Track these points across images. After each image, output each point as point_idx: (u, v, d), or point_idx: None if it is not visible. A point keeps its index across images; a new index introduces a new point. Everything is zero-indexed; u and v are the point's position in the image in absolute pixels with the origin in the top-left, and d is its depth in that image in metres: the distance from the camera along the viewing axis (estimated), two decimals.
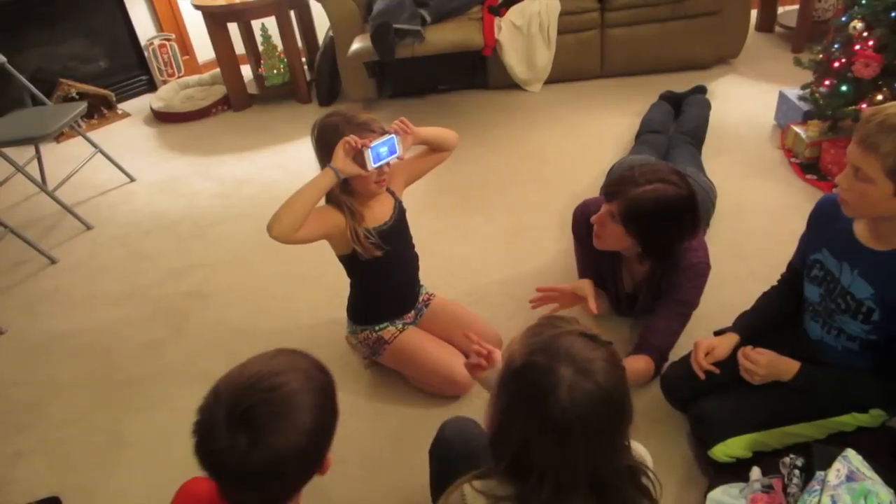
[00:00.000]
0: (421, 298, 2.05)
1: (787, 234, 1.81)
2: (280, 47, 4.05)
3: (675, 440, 1.71)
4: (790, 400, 1.52)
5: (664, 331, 1.78)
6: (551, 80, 3.76)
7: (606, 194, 1.73)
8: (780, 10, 4.09)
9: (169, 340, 2.33)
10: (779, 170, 2.78)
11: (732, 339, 1.64)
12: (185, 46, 4.67)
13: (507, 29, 3.51)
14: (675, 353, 1.80)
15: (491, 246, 2.57)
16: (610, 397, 0.91)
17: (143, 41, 4.48)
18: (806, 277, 1.56)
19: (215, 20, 3.84)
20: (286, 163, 3.43)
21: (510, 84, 3.76)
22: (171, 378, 2.17)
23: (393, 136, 1.67)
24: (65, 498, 1.80)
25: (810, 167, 2.72)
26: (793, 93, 2.93)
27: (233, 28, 4.00)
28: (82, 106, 3.19)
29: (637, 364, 1.76)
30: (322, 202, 1.71)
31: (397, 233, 1.86)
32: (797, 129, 2.79)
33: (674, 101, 3.13)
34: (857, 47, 2.43)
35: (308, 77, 4.16)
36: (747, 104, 3.30)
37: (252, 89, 4.22)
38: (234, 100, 4.12)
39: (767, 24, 4.08)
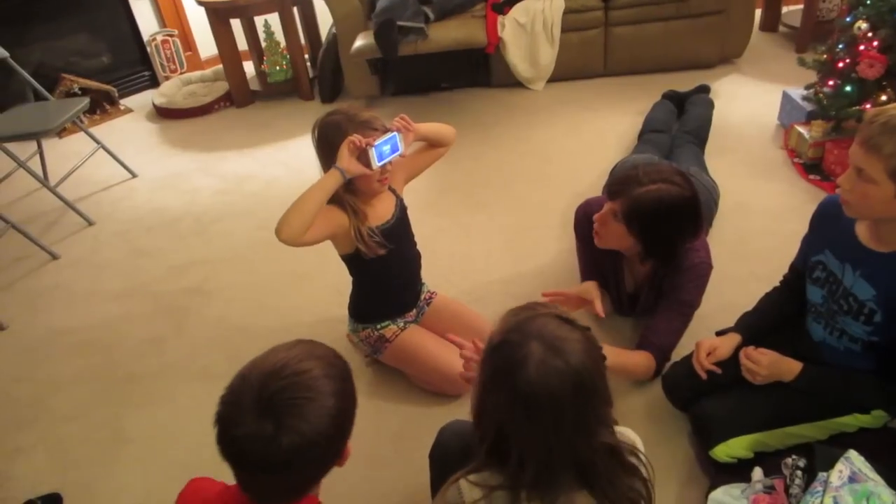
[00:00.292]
0: (422, 297, 2.05)
1: (790, 234, 1.81)
2: (283, 44, 4.04)
3: (677, 440, 1.71)
4: (792, 400, 1.52)
5: (666, 330, 1.78)
6: (554, 79, 3.75)
7: (609, 193, 1.72)
8: (785, 9, 4.08)
9: (170, 337, 2.33)
10: (782, 170, 2.77)
11: (734, 339, 1.63)
12: (188, 42, 4.67)
13: (510, 27, 3.50)
14: (677, 354, 1.80)
15: (492, 244, 2.57)
16: (579, 376, 0.93)
17: (145, 37, 4.47)
18: (808, 279, 1.56)
19: (218, 16, 3.84)
20: (288, 160, 3.43)
21: (513, 82, 3.75)
22: (172, 375, 2.16)
23: (395, 133, 1.66)
24: (65, 494, 1.80)
25: (813, 167, 2.71)
26: (796, 93, 2.93)
27: (235, 24, 4.00)
28: (85, 101, 3.19)
29: (636, 357, 1.76)
30: None
31: (400, 230, 1.86)
32: (800, 129, 2.78)
33: (677, 101, 3.13)
34: (862, 48, 2.42)
35: (311, 74, 4.15)
36: (751, 104, 3.29)
37: (254, 86, 4.22)
38: (237, 96, 4.12)
39: (771, 23, 4.07)
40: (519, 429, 0.96)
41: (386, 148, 1.64)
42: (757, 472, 1.46)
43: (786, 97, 3.01)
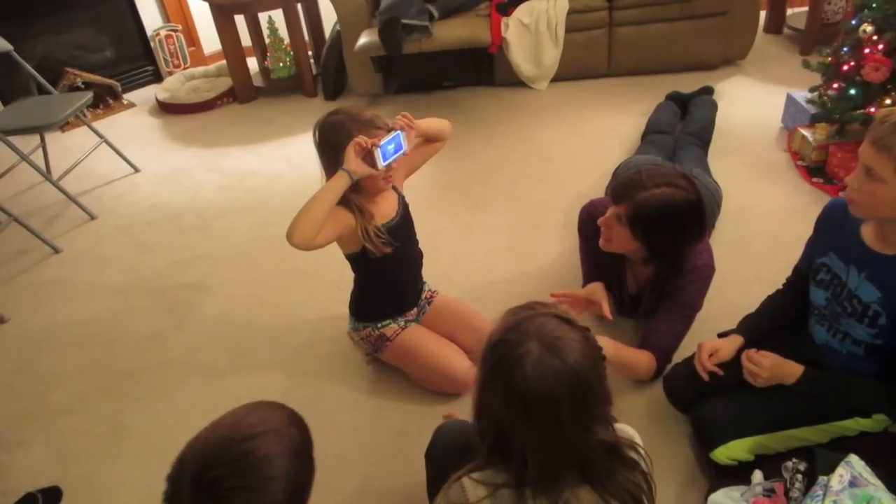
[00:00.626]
0: (423, 295, 2.05)
1: (793, 237, 1.80)
2: (287, 40, 4.04)
3: (677, 442, 1.71)
4: (793, 403, 1.52)
5: (667, 332, 1.78)
6: (558, 78, 3.75)
7: (614, 197, 1.72)
8: (789, 11, 4.07)
9: (171, 332, 2.33)
10: (785, 172, 2.77)
11: (736, 340, 1.64)
12: (192, 38, 4.67)
13: (514, 27, 3.50)
14: (679, 356, 1.80)
15: (494, 243, 2.57)
16: (576, 375, 0.94)
17: (149, 31, 4.47)
18: (812, 281, 1.56)
19: (222, 12, 3.84)
20: (291, 156, 3.43)
21: (516, 81, 3.75)
22: (173, 370, 2.17)
23: (399, 132, 1.66)
24: (65, 487, 1.81)
25: (817, 170, 2.71)
26: (800, 95, 2.92)
27: (239, 20, 4.00)
28: (88, 96, 3.19)
29: (637, 354, 1.76)
30: None
31: (404, 227, 1.87)
32: (804, 131, 2.78)
33: (680, 102, 3.12)
34: (867, 51, 2.41)
35: (314, 71, 4.15)
36: (754, 106, 3.28)
37: (258, 82, 4.22)
38: (240, 92, 4.12)
39: (776, 25, 4.06)
40: (517, 426, 0.97)
41: (390, 147, 1.64)
42: (757, 475, 1.46)
43: (790, 99, 3.00)
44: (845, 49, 2.55)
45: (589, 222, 1.91)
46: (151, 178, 3.40)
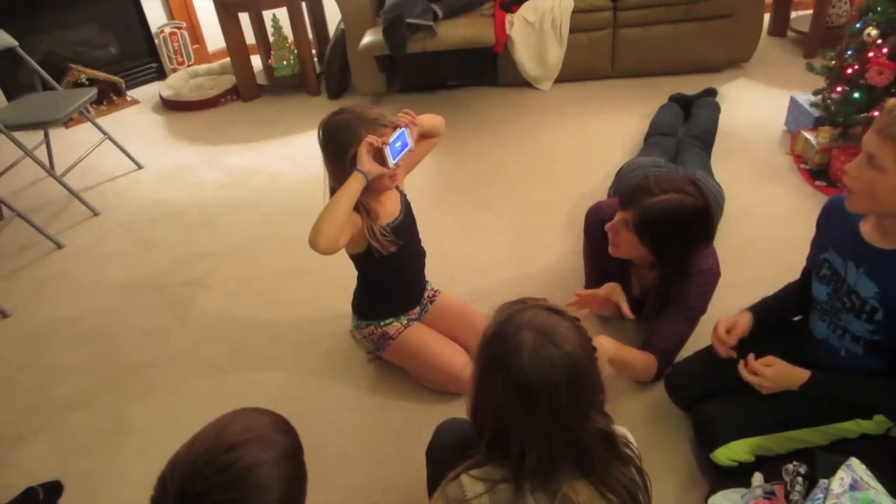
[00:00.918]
0: (426, 294, 2.05)
1: (795, 239, 1.80)
2: (291, 39, 4.05)
3: (678, 443, 1.71)
4: (794, 405, 1.51)
5: (670, 334, 1.78)
6: (561, 79, 3.75)
7: (621, 203, 1.71)
8: (794, 14, 4.07)
9: (173, 329, 2.34)
10: (788, 175, 2.77)
11: (746, 316, 1.64)
12: (196, 35, 4.67)
13: (518, 25, 3.50)
14: (680, 355, 1.80)
15: (497, 244, 2.57)
16: (572, 361, 0.95)
17: (153, 28, 4.48)
18: (815, 276, 1.56)
19: (227, 9, 3.84)
20: (294, 154, 3.43)
21: (520, 81, 3.75)
22: (175, 366, 2.17)
23: (404, 129, 1.67)
24: (67, 482, 1.81)
25: (819, 173, 2.71)
26: (804, 98, 2.92)
27: (244, 18, 4.00)
28: (92, 92, 3.20)
29: (638, 354, 1.76)
30: None
31: (408, 226, 1.87)
32: (807, 134, 2.78)
33: (684, 104, 3.12)
34: (871, 54, 2.42)
35: (318, 69, 4.15)
36: (758, 108, 3.28)
37: (261, 80, 4.22)
38: (244, 90, 4.12)
39: (780, 28, 4.06)
40: (516, 417, 0.98)
41: (398, 145, 1.65)
42: (757, 478, 1.46)
43: (793, 102, 3.00)
44: (849, 52, 2.55)
45: (595, 224, 1.91)
46: (154, 175, 3.40)
